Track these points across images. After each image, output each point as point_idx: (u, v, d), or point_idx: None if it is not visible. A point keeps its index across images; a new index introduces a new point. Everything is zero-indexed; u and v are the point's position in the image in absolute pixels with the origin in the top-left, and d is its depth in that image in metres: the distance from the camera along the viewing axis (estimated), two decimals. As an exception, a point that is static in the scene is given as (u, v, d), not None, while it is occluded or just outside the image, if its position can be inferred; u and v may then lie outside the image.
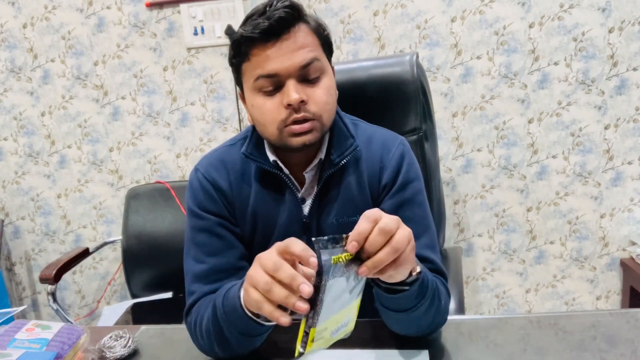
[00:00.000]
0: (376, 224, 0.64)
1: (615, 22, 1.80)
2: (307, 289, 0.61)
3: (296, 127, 0.84)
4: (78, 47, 2.12)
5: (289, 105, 0.83)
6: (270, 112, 0.85)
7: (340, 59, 1.97)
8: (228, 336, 0.81)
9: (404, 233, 0.65)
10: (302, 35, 0.84)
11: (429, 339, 0.87)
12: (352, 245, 0.63)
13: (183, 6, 1.99)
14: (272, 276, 0.64)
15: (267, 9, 0.82)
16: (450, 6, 1.87)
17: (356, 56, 1.96)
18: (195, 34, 2.02)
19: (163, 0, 2.00)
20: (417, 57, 1.30)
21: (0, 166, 2.30)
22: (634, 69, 1.82)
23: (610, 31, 1.81)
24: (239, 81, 0.91)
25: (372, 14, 1.92)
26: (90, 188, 2.26)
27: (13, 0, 2.10)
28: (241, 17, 1.97)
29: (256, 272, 0.66)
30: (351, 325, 0.69)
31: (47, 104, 2.19)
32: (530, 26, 1.84)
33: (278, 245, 0.67)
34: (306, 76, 0.85)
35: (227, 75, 2.05)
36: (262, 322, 0.75)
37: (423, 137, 1.31)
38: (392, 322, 0.84)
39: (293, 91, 0.82)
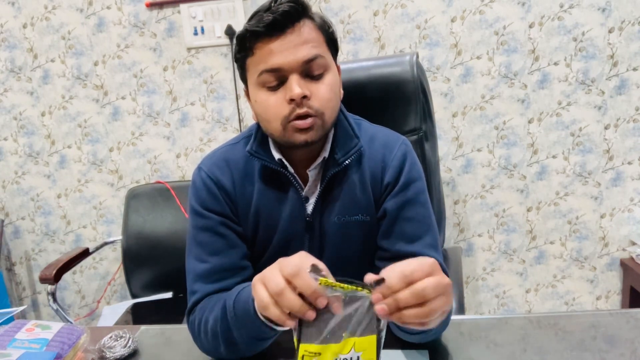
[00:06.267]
0: (411, 283, 0.59)
1: (615, 22, 1.80)
2: (324, 302, 0.60)
3: (299, 123, 0.84)
4: (78, 47, 2.12)
5: (291, 100, 0.83)
6: (273, 107, 0.85)
7: (340, 59, 1.95)
8: (237, 339, 0.80)
9: (442, 301, 0.61)
10: (306, 30, 0.84)
11: (429, 339, 0.87)
12: (381, 308, 0.59)
13: (183, 6, 1.99)
14: (288, 280, 0.62)
15: (273, 4, 0.82)
16: (450, 6, 1.87)
17: (356, 56, 1.96)
18: (195, 34, 2.02)
19: (163, 0, 2.00)
20: (417, 57, 1.30)
21: (0, 166, 2.30)
22: (634, 69, 1.82)
23: (610, 31, 1.81)
24: (243, 77, 0.91)
25: (372, 14, 1.92)
26: (90, 188, 2.26)
27: (13, 0, 2.10)
28: (241, 17, 1.97)
29: (272, 272, 0.64)
30: None
31: (47, 104, 2.19)
32: (530, 26, 1.84)
33: (304, 255, 0.64)
34: (309, 72, 0.84)
35: (227, 75, 2.05)
36: (275, 327, 0.72)
37: (423, 137, 1.30)
38: (401, 335, 0.84)
39: (296, 85, 0.82)
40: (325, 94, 0.85)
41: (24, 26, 2.12)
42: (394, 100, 1.28)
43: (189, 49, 2.05)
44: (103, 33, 2.09)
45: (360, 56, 1.96)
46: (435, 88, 1.93)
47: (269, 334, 0.77)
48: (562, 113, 1.89)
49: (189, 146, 2.15)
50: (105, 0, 2.05)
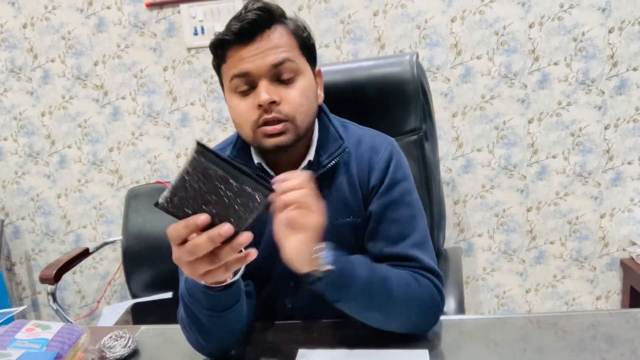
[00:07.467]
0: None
1: (615, 22, 1.80)
2: (203, 219, 0.64)
3: (268, 129, 0.85)
4: (78, 47, 2.12)
5: (260, 106, 0.84)
6: (244, 112, 0.86)
7: (340, 59, 1.97)
8: (202, 320, 0.81)
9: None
10: (277, 36, 0.85)
11: (429, 339, 0.87)
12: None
13: (183, 6, 1.99)
14: (180, 243, 0.65)
15: (242, 12, 0.85)
16: (450, 6, 1.87)
17: (356, 56, 1.96)
18: (195, 34, 2.02)
19: (163, 0, 2.00)
20: (417, 57, 1.30)
21: (0, 166, 2.30)
22: (634, 69, 1.82)
23: (610, 31, 1.81)
24: (221, 84, 0.93)
25: (372, 14, 1.92)
26: (90, 188, 2.26)
27: (13, 0, 2.10)
28: (241, 17, 1.97)
29: (173, 252, 0.67)
30: None
31: (47, 104, 2.19)
32: (530, 26, 1.84)
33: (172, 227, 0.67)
34: (279, 76, 0.86)
35: (227, 75, 2.05)
36: (215, 286, 0.76)
37: (423, 137, 1.31)
38: (353, 316, 0.85)
39: (263, 91, 0.83)
40: (295, 99, 0.86)
41: (24, 26, 2.12)
42: (394, 100, 1.28)
43: (189, 49, 2.05)
44: (103, 33, 2.09)
45: (360, 56, 1.96)
46: (435, 88, 1.93)
47: (222, 300, 0.79)
48: (562, 113, 1.89)
49: (189, 146, 2.15)
50: (105, 0, 2.05)
